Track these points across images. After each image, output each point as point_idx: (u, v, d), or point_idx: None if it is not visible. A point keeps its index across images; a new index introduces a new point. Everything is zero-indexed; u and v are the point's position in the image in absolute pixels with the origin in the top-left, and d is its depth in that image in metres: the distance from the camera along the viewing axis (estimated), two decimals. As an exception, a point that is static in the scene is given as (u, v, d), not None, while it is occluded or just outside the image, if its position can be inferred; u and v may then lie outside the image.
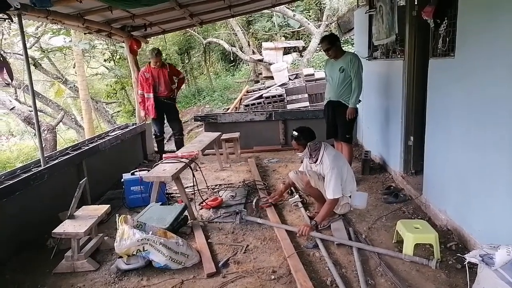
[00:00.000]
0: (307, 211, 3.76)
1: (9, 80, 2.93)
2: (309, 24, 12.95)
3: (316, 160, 3.47)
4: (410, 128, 4.18)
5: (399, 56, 4.36)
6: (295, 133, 3.45)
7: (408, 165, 4.29)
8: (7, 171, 3.55)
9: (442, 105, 3.24)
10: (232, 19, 11.17)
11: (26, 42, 3.81)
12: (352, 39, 10.74)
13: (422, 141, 3.71)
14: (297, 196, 4.04)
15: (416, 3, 3.87)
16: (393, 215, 3.58)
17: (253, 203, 3.90)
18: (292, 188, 4.05)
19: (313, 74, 9.92)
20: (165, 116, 6.05)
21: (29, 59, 3.83)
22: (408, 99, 4.13)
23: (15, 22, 3.42)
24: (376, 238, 3.17)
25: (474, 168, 2.75)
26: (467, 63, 2.79)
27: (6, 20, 3.01)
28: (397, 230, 3.01)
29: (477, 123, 2.68)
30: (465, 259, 2.19)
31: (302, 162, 3.87)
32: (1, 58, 2.75)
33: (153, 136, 6.25)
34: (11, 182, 3.19)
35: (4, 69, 2.77)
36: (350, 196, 3.50)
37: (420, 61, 3.90)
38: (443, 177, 3.27)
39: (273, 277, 2.69)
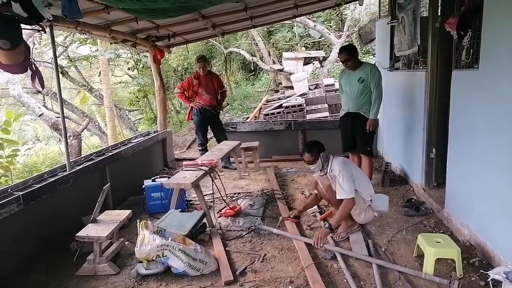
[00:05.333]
0: (325, 222, 3.73)
1: (41, 89, 3.05)
2: (330, 34, 12.95)
3: (327, 170, 3.46)
4: (432, 140, 4.11)
5: (421, 67, 4.32)
6: (308, 145, 3.52)
7: (430, 177, 4.21)
8: (35, 175, 3.68)
9: (465, 117, 3.19)
10: (253, 29, 11.31)
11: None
12: (373, 50, 10.68)
13: (444, 153, 3.64)
14: (315, 206, 4.02)
15: (439, 14, 3.84)
16: (414, 228, 3.52)
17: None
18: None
19: (333, 84, 9.89)
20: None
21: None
22: (430, 110, 4.07)
23: (46, 33, 3.58)
24: (396, 251, 3.12)
25: (499, 182, 2.69)
26: (492, 75, 2.74)
27: (39, 31, 3.15)
28: (417, 244, 2.95)
29: (502, 136, 2.62)
30: (489, 276, 2.13)
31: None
32: (34, 67, 2.87)
33: (198, 147, 6.31)
34: (39, 185, 3.32)
35: (36, 78, 2.90)
36: (371, 200, 3.45)
37: (443, 72, 3.85)
38: (466, 190, 3.20)
39: (290, 287, 2.68)
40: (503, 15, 2.61)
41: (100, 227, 3.05)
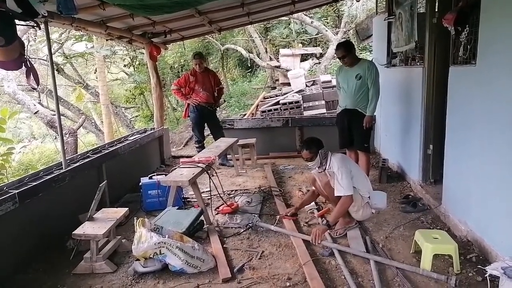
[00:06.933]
0: (323, 219, 3.73)
1: (36, 86, 3.02)
2: (327, 31, 12.93)
3: (325, 167, 3.46)
4: (429, 136, 4.12)
5: (418, 63, 4.32)
6: (307, 142, 3.50)
7: (427, 174, 4.22)
8: (30, 173, 3.65)
9: (463, 113, 3.19)
10: (250, 26, 11.26)
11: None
12: (370, 46, 10.68)
13: (441, 149, 3.64)
14: (313, 203, 4.01)
15: (436, 10, 3.83)
16: (411, 224, 3.53)
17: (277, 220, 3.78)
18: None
19: (330, 81, 9.87)
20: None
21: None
22: (427, 106, 4.08)
23: (41, 29, 3.54)
24: (394, 247, 3.13)
25: (496, 178, 2.69)
26: (489, 71, 2.74)
27: (34, 27, 3.12)
28: (415, 240, 2.96)
29: (500, 132, 2.62)
30: (486, 271, 2.14)
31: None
32: (29, 64, 2.84)
33: (195, 144, 6.28)
34: (35, 183, 3.29)
35: (31, 75, 2.87)
36: (369, 197, 3.45)
37: (440, 68, 3.85)
38: (463, 186, 3.21)
39: (288, 284, 2.68)
40: (501, 11, 2.60)
41: (96, 225, 3.03)
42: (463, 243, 3.08)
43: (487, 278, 2.19)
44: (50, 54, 3.88)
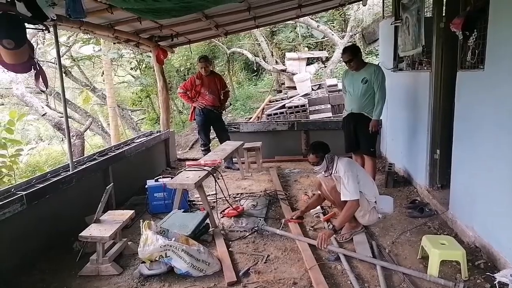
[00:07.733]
0: (329, 223, 3.71)
1: (44, 88, 3.06)
2: (333, 34, 12.92)
3: (332, 171, 3.45)
4: (437, 141, 4.08)
5: (425, 67, 4.30)
6: (313, 146, 3.50)
7: (434, 179, 4.19)
8: (38, 174, 3.68)
9: (470, 118, 3.16)
10: (256, 29, 11.30)
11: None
12: (377, 50, 10.66)
13: (448, 154, 3.62)
14: (318, 207, 4.00)
15: (444, 14, 3.82)
16: (418, 230, 3.50)
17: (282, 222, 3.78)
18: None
19: (336, 85, 9.87)
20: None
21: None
22: (434, 111, 4.05)
23: (50, 32, 3.58)
24: (400, 253, 3.10)
25: (504, 183, 2.66)
26: (497, 75, 2.72)
27: (43, 30, 3.16)
28: (422, 246, 2.93)
29: (508, 137, 2.60)
30: (495, 278, 2.12)
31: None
32: (38, 67, 2.88)
33: (201, 147, 6.31)
34: (42, 185, 3.32)
35: (40, 77, 2.91)
36: (375, 202, 3.44)
37: (448, 73, 3.82)
38: (471, 192, 3.18)
39: (294, 288, 2.67)
40: (509, 15, 2.58)
41: (103, 227, 3.04)
42: (471, 249, 3.04)
43: (496, 285, 2.17)
44: (59, 57, 3.91)
